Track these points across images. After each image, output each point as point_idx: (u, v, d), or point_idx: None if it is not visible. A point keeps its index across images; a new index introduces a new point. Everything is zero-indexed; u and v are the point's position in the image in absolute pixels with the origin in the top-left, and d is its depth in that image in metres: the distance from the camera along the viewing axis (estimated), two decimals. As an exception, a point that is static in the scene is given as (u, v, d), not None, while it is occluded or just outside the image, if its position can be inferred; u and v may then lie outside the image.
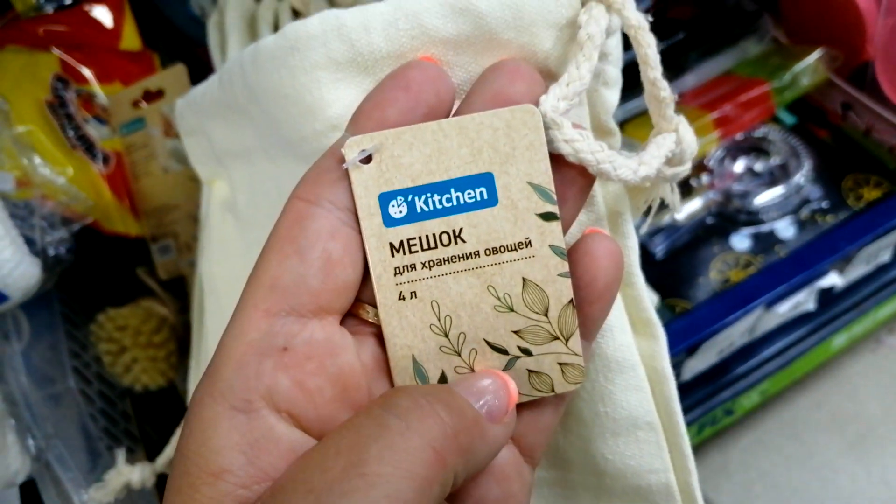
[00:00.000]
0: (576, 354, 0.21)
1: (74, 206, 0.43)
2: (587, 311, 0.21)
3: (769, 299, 0.51)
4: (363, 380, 0.19)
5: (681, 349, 0.49)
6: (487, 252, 0.20)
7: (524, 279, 0.20)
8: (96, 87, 0.50)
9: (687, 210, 0.55)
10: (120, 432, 0.49)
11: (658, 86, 0.23)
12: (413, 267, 0.20)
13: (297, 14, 0.43)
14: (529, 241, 0.20)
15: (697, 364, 0.52)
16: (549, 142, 0.21)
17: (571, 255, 0.21)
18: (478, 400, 0.19)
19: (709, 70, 0.57)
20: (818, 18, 0.58)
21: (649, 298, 0.48)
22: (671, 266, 0.54)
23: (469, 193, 0.20)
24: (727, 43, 0.58)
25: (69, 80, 0.50)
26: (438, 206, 0.20)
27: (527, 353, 0.21)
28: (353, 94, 0.24)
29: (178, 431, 0.40)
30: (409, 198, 0.20)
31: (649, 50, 0.23)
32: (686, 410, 0.57)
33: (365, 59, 0.23)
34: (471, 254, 0.20)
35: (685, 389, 0.54)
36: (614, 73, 0.24)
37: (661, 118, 0.24)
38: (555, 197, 0.20)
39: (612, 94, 0.25)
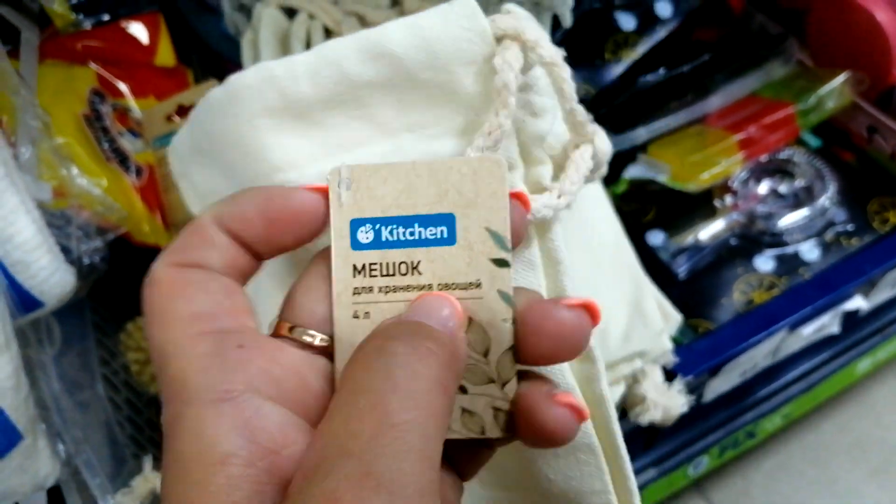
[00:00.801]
0: (509, 401, 0.21)
1: (109, 217, 0.44)
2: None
3: (793, 322, 0.51)
4: (312, 370, 0.20)
5: (703, 370, 0.49)
6: (440, 286, 0.21)
7: (469, 318, 0.21)
8: (131, 102, 0.52)
9: (710, 231, 0.55)
10: (145, 440, 0.50)
11: (575, 113, 0.25)
12: (370, 289, 0.21)
13: (328, 32, 0.44)
14: (479, 283, 0.21)
15: (720, 385, 0.52)
16: None
17: (522, 314, 0.21)
18: (443, 323, 0.20)
19: (734, 92, 0.57)
20: (844, 42, 0.59)
21: (672, 318, 0.48)
22: (694, 286, 0.54)
23: (431, 230, 0.21)
24: (752, 65, 0.58)
25: (105, 94, 0.51)
26: (402, 238, 0.21)
27: (462, 390, 0.21)
28: (291, 138, 0.25)
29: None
30: (377, 226, 0.21)
31: (565, 84, 0.24)
32: (708, 432, 0.57)
33: (298, 105, 0.24)
34: (425, 286, 0.21)
35: (707, 410, 0.54)
36: (541, 102, 0.25)
37: (579, 134, 0.26)
38: (510, 245, 0.21)
39: (542, 123, 0.25)
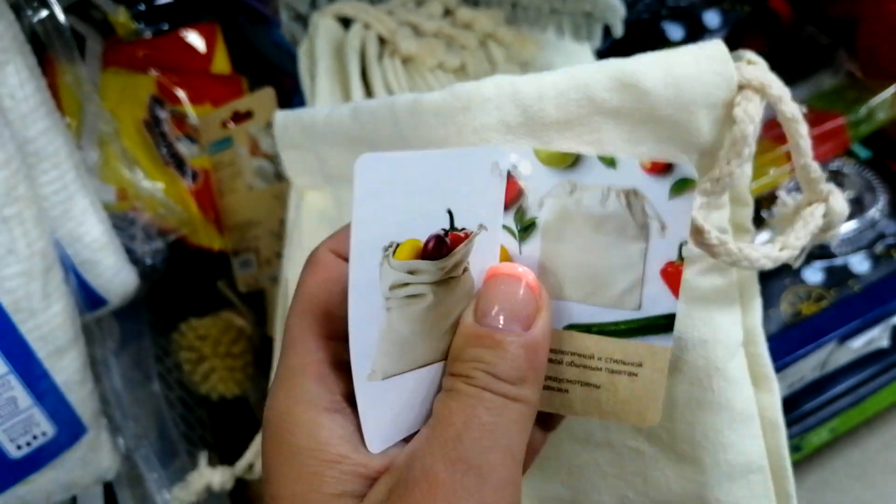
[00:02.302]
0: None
1: (169, 219, 0.46)
2: None
3: (842, 334, 0.51)
4: None
5: (750, 381, 0.49)
6: None
7: None
8: (188, 108, 0.53)
9: (758, 241, 0.55)
10: (196, 437, 0.51)
11: (809, 169, 0.25)
12: None
13: (383, 42, 0.45)
14: None
15: (766, 397, 0.52)
16: (696, 243, 0.23)
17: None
18: (523, 319, 0.21)
19: (783, 103, 0.57)
20: (894, 53, 0.58)
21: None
22: (740, 297, 0.53)
23: None
24: (802, 76, 0.58)
25: (164, 100, 0.53)
26: None
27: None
28: (516, 154, 0.25)
29: (258, 439, 0.42)
30: None
31: (801, 140, 0.24)
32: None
33: (535, 123, 0.25)
34: None
35: (752, 422, 0.53)
36: (751, 150, 0.25)
37: (813, 192, 0.26)
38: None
39: (748, 168, 0.26)
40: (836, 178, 0.57)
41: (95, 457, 0.40)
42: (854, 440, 0.62)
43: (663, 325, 0.21)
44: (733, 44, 0.59)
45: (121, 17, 0.53)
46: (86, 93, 0.43)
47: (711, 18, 0.56)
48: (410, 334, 0.21)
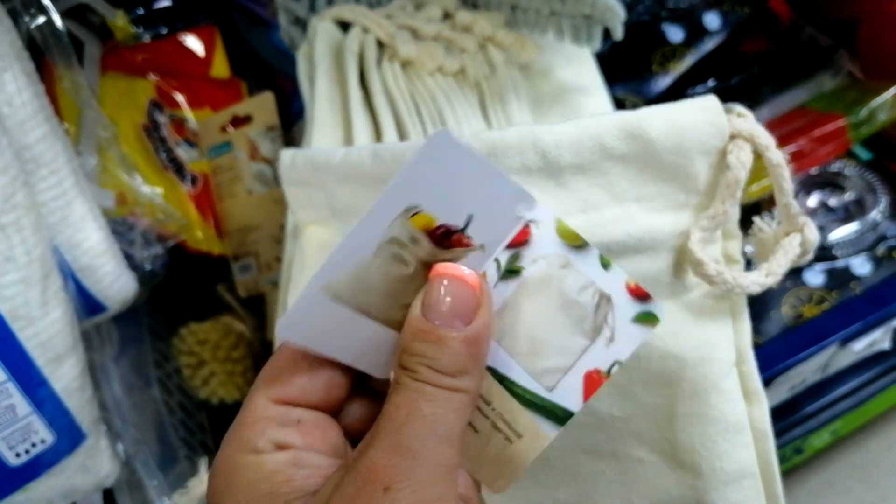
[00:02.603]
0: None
1: (168, 224, 0.46)
2: None
3: (843, 336, 0.50)
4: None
5: (752, 384, 0.49)
6: None
7: None
8: (188, 112, 0.53)
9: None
10: (196, 442, 0.51)
11: (790, 207, 0.28)
12: None
13: (381, 45, 0.45)
14: None
15: (768, 399, 0.52)
16: (696, 273, 0.27)
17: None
18: (468, 318, 0.22)
19: (783, 104, 0.57)
20: (895, 53, 0.58)
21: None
22: (742, 299, 0.53)
23: None
24: (802, 77, 0.58)
25: (163, 105, 0.53)
26: None
27: None
28: (536, 193, 0.27)
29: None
30: None
31: (784, 183, 0.28)
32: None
33: (552, 167, 0.28)
34: None
35: (754, 425, 0.53)
36: (741, 193, 0.29)
37: (791, 224, 0.29)
38: None
39: (738, 207, 0.30)
40: (837, 179, 0.57)
41: (95, 463, 0.40)
42: (856, 442, 0.62)
43: (559, 416, 0.23)
44: (733, 45, 0.58)
45: (119, 21, 0.53)
46: (84, 98, 0.43)
47: (711, 20, 0.56)
48: (376, 287, 0.23)
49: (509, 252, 0.24)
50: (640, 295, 0.23)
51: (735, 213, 0.30)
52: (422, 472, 0.21)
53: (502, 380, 0.24)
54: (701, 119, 0.27)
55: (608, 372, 0.23)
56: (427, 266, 0.23)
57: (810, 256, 0.30)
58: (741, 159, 0.26)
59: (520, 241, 0.24)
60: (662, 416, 0.30)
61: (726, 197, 0.27)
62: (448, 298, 0.23)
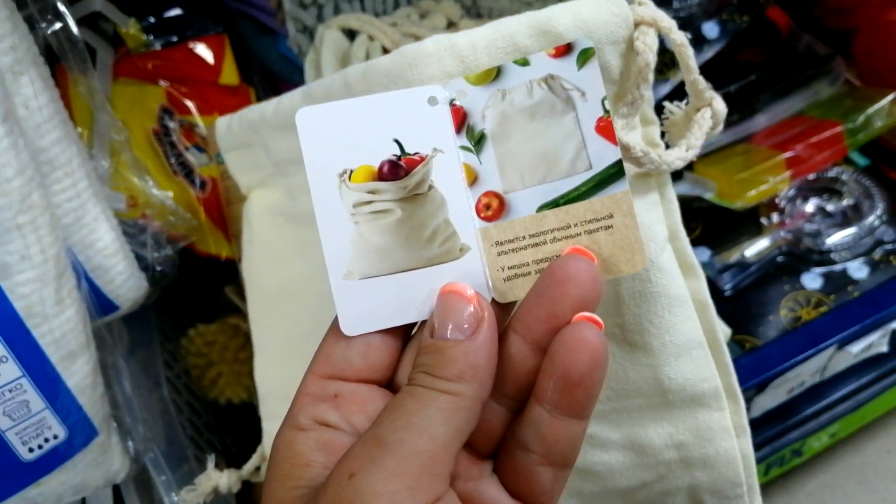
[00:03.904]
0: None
1: (179, 227, 0.47)
2: (571, 394, 0.23)
3: (841, 339, 0.51)
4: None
5: (750, 386, 0.49)
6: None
7: None
8: (197, 118, 0.54)
9: (756, 248, 0.56)
10: (204, 441, 0.52)
11: (697, 83, 0.29)
12: None
13: (386, 52, 0.46)
14: None
15: (766, 402, 0.52)
16: (624, 158, 0.27)
17: (552, 344, 0.23)
18: (463, 330, 0.23)
19: (781, 111, 0.58)
20: (891, 61, 0.59)
21: (723, 332, 0.50)
22: (741, 303, 0.54)
23: None
24: (799, 84, 0.59)
25: (173, 111, 0.54)
26: None
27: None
28: (452, 85, 0.29)
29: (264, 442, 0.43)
30: None
31: (690, 61, 0.29)
32: (754, 449, 0.57)
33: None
34: None
35: (753, 426, 0.54)
36: (652, 76, 0.29)
37: (700, 100, 0.30)
38: None
39: (651, 92, 0.30)
40: (834, 184, 0.58)
41: (106, 459, 0.41)
42: (855, 445, 0.62)
43: (615, 173, 0.24)
44: (732, 54, 0.59)
45: (131, 29, 0.55)
46: (97, 103, 0.44)
47: (710, 29, 0.57)
48: (385, 243, 0.24)
49: (463, 133, 0.25)
50: (564, 51, 0.24)
51: (650, 98, 0.31)
52: (389, 461, 0.20)
53: (557, 202, 0.24)
54: (605, 11, 0.27)
55: (605, 110, 0.24)
56: (411, 199, 0.24)
57: (721, 128, 0.30)
58: (647, 44, 0.27)
59: (461, 119, 0.25)
60: (609, 301, 0.31)
61: (640, 81, 0.27)
62: (446, 313, 0.23)
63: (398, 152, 0.24)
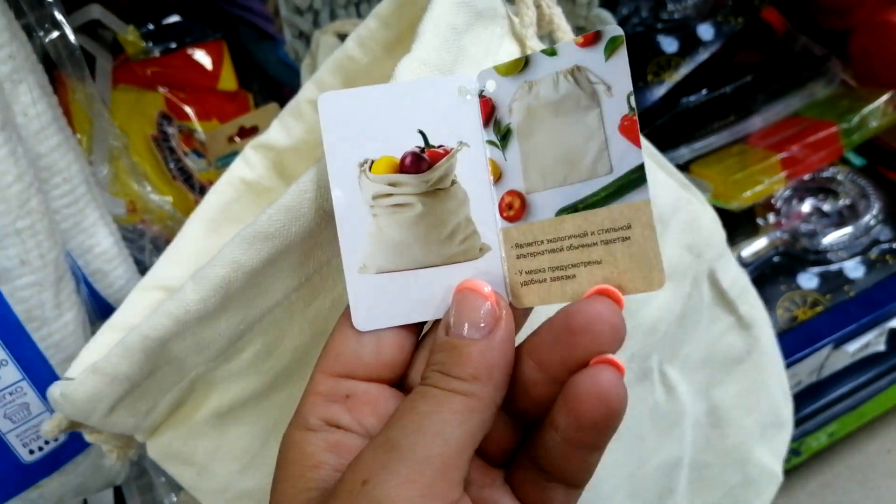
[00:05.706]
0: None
1: (177, 231, 0.47)
2: (586, 434, 0.21)
3: (838, 338, 0.51)
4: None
5: (747, 385, 0.49)
6: None
7: None
8: (196, 124, 0.55)
9: (753, 248, 0.56)
10: (204, 445, 0.52)
11: None
12: None
13: (382, 58, 0.47)
14: None
15: (763, 401, 0.53)
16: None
17: (567, 387, 0.21)
18: (479, 328, 0.22)
19: (777, 112, 0.58)
20: (887, 62, 0.59)
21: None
22: (737, 303, 0.54)
23: None
24: (795, 85, 0.59)
25: (172, 116, 0.54)
26: None
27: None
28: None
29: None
30: None
31: None
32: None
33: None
34: None
35: (751, 427, 0.54)
36: None
37: None
38: None
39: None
40: (830, 185, 0.58)
41: (106, 461, 0.41)
42: (853, 444, 0.62)
43: (636, 178, 0.22)
44: (727, 55, 0.60)
45: (130, 36, 0.55)
46: (96, 110, 0.45)
47: (705, 31, 0.57)
48: (403, 238, 0.23)
49: (491, 126, 0.24)
50: (592, 39, 0.22)
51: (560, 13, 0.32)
52: (402, 467, 0.20)
53: (576, 207, 0.23)
54: None
55: (631, 108, 0.22)
56: (432, 193, 0.23)
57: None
58: None
59: (489, 112, 0.24)
60: None
61: None
62: (462, 310, 0.22)
63: (422, 144, 0.23)
